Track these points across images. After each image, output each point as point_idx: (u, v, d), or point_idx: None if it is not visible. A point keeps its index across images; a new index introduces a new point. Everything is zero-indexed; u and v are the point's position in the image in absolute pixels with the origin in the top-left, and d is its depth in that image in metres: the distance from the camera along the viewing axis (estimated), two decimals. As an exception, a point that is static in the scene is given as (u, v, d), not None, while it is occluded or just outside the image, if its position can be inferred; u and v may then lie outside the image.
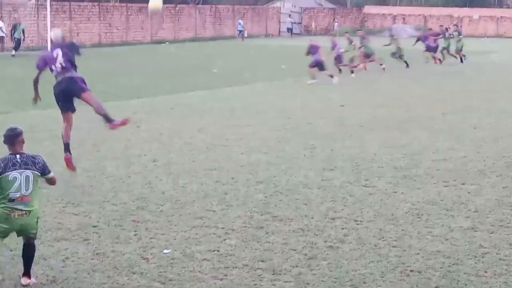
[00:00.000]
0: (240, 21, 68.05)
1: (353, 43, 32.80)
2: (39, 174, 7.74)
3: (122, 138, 15.95)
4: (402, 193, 11.71)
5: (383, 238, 9.42)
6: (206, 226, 9.83)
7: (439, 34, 39.12)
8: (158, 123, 18.31)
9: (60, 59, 12.24)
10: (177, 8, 63.58)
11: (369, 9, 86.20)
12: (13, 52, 40.34)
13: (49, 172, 7.93)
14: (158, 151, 14.75)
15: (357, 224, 10.03)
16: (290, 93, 25.16)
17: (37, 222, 7.73)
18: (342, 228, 9.80)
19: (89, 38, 51.87)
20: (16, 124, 8.12)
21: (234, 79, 29.63)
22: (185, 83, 27.89)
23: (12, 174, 7.54)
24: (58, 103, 12.70)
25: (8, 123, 17.60)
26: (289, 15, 76.13)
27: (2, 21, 44.49)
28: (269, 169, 13.28)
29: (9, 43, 43.30)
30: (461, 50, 39.31)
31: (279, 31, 76.09)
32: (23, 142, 7.92)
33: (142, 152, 14.58)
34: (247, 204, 10.95)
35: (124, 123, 12.75)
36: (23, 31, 41.95)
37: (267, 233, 9.57)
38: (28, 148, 14.20)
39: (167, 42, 57.94)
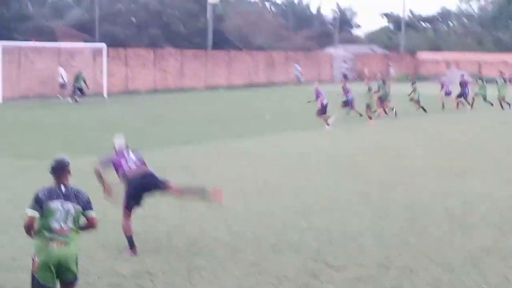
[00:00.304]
0: (297, 65, 68.71)
1: (372, 90, 33.14)
2: (81, 209, 7.67)
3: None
4: (457, 241, 11.57)
5: (438, 287, 9.30)
6: (259, 274, 9.83)
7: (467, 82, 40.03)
8: (210, 169, 18.42)
9: (132, 160, 11.68)
10: (231, 55, 64.20)
11: (422, 54, 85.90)
12: (74, 99, 41.02)
13: (91, 209, 7.79)
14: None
15: (412, 273, 9.92)
16: (342, 139, 25.13)
17: (76, 262, 7.60)
18: (397, 277, 9.70)
19: (144, 84, 52.57)
20: (62, 155, 8.09)
21: (286, 124, 29.70)
22: (238, 128, 28.05)
23: (54, 204, 7.52)
24: (131, 198, 11.40)
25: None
26: (345, 61, 76.40)
27: (63, 68, 45.47)
28: (322, 215, 13.25)
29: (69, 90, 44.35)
30: (503, 97, 38.71)
31: (332, 77, 76.23)
32: (69, 173, 7.84)
33: (196, 199, 14.65)
34: (300, 251, 10.92)
35: (219, 196, 11.74)
36: (84, 80, 42.73)
37: (321, 281, 9.52)
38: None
39: (221, 88, 58.43)
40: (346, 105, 32.84)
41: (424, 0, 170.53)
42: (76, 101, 40.73)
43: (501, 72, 41.73)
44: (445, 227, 12.51)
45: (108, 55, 48.73)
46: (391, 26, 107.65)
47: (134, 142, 23.38)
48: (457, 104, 38.64)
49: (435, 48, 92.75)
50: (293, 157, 20.61)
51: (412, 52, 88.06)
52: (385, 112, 33.75)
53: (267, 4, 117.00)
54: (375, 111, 32.72)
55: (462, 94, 39.18)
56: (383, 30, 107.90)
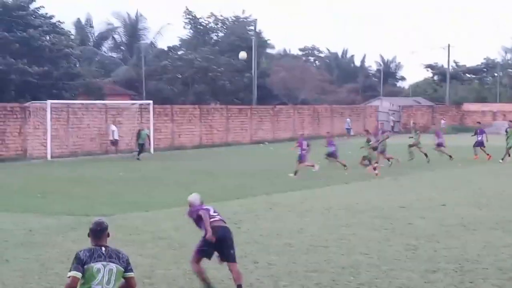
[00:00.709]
0: (348, 119, 69.75)
1: (371, 142, 33.82)
2: (123, 270, 7.65)
3: (223, 239, 16.10)
4: (508, 296, 11.38)
5: None
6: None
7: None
8: (257, 224, 18.42)
9: (212, 210, 11.91)
10: (275, 109, 64.55)
11: (468, 106, 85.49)
12: (137, 156, 41.25)
13: (131, 270, 7.79)
14: (258, 252, 14.81)
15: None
16: (388, 192, 24.97)
17: None
18: (447, 333, 9.56)
19: (190, 139, 53.03)
20: (101, 218, 8.18)
21: (332, 178, 29.63)
22: (284, 182, 28.07)
23: (96, 266, 7.50)
24: (205, 248, 11.65)
25: (112, 225, 18.08)
26: (393, 113, 76.61)
27: (115, 125, 46.19)
28: (370, 270, 13.14)
29: (121, 146, 45.36)
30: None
31: (377, 130, 76.01)
32: (108, 236, 7.90)
33: (243, 253, 14.64)
34: (348, 307, 10.82)
35: None
36: (148, 136, 43.14)
37: (369, 337, 9.42)
38: (131, 251, 14.53)
39: (266, 143, 58.65)
40: (330, 156, 34.66)
41: (469, 51, 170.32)
42: (138, 158, 40.82)
43: (511, 122, 39.96)
44: (495, 281, 12.32)
45: (154, 112, 49.34)
46: (436, 78, 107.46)
47: (180, 197, 23.55)
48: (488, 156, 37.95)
49: (481, 99, 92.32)
50: (339, 211, 20.53)
51: (457, 103, 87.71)
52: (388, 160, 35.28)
53: (311, 58, 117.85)
54: (376, 162, 32.93)
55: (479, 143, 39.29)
56: (428, 81, 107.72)
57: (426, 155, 36.63)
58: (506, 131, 38.04)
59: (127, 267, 7.69)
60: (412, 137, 36.34)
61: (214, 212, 11.86)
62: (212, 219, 11.57)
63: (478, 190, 25.33)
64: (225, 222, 11.86)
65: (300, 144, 31.84)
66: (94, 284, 7.44)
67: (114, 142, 45.25)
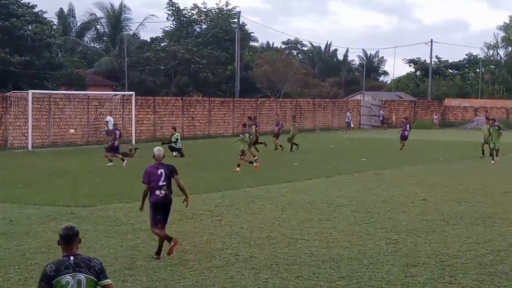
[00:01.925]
0: (348, 113, 70.82)
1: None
2: (94, 279, 7.10)
3: (204, 232, 16.14)
4: (488, 290, 11.44)
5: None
6: (287, 322, 9.77)
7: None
8: (239, 217, 18.42)
9: (163, 178, 13.63)
10: (258, 102, 64.56)
11: (450, 101, 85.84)
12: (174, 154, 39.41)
13: (105, 277, 7.19)
14: (239, 245, 14.81)
15: (442, 322, 9.82)
16: (370, 186, 25.03)
17: None
18: (427, 327, 9.61)
19: (171, 131, 52.90)
20: (70, 223, 7.55)
21: (314, 171, 29.69)
22: (266, 176, 28.07)
23: (65, 278, 6.98)
24: (156, 215, 13.75)
25: (93, 216, 18.06)
26: (383, 108, 77.20)
27: (111, 115, 46.18)
28: (351, 264, 13.18)
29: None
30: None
31: (359, 124, 76.32)
32: (79, 242, 7.30)
33: (224, 246, 14.66)
34: (329, 300, 10.84)
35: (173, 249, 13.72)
36: (177, 139, 40.32)
37: (349, 330, 9.44)
38: (112, 243, 14.51)
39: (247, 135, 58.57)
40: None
41: (451, 47, 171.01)
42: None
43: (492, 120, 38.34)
44: (475, 275, 12.39)
45: (136, 103, 49.22)
46: (418, 73, 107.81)
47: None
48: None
49: (463, 94, 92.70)
50: (321, 205, 20.56)
51: (439, 98, 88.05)
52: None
53: (294, 51, 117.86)
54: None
55: None
56: (410, 76, 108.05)
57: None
58: (489, 130, 36.06)
59: (99, 275, 7.12)
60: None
61: (164, 176, 13.65)
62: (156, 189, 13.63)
63: (460, 186, 25.44)
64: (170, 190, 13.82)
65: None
66: None
67: (109, 133, 45.18)
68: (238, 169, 29.81)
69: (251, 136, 32.52)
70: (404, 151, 40.98)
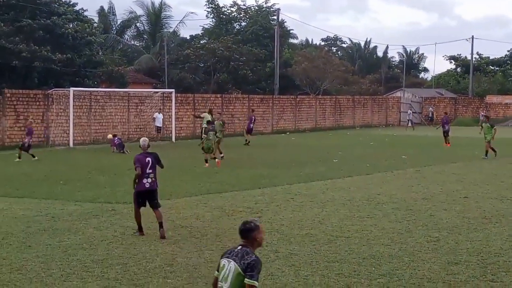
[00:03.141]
0: (410, 110, 70.81)
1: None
2: (241, 271, 7.19)
3: (244, 229, 16.11)
4: (531, 289, 11.31)
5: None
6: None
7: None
8: (278, 214, 18.41)
9: (150, 165, 15.23)
10: (297, 99, 64.47)
11: (491, 98, 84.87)
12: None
13: (251, 276, 7.19)
14: (279, 242, 14.80)
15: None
16: (411, 184, 24.86)
17: None
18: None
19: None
20: (253, 218, 7.83)
21: (354, 169, 29.57)
22: (306, 173, 28.02)
23: (223, 261, 7.39)
24: (138, 199, 15.52)
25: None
26: (432, 106, 76.79)
27: (160, 113, 46.95)
28: (392, 262, 13.11)
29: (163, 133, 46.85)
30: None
31: (399, 121, 75.86)
32: (255, 239, 7.49)
33: (264, 243, 14.59)
34: (369, 297, 10.79)
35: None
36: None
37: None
38: (152, 239, 14.58)
39: (288, 132, 58.62)
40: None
41: (492, 43, 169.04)
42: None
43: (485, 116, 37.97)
44: (518, 274, 12.25)
45: (176, 100, 49.46)
46: (459, 70, 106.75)
47: (201, 186, 23.64)
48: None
49: (504, 91, 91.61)
50: (361, 202, 20.47)
51: (480, 95, 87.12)
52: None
53: (333, 48, 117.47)
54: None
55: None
56: (451, 73, 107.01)
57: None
58: (481, 126, 36.57)
59: (245, 270, 7.21)
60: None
61: (151, 164, 15.29)
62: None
63: (502, 183, 25.15)
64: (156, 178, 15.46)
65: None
66: (219, 279, 7.38)
67: (158, 129, 46.19)
68: (207, 164, 30.01)
69: (216, 134, 31.99)
70: (446, 149, 40.70)
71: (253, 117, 47.89)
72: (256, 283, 7.19)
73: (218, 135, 33.13)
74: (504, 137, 45.87)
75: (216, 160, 30.77)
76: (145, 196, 15.43)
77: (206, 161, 30.24)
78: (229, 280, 7.25)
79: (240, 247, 7.41)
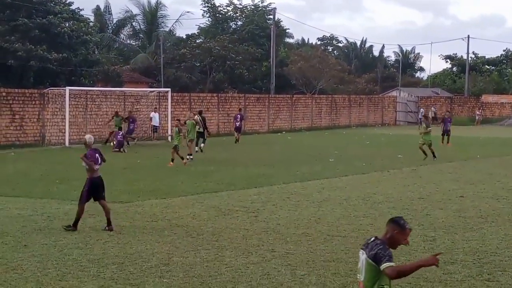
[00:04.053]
0: (422, 109, 71.19)
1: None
2: (371, 261, 7.16)
3: (241, 228, 16.13)
4: (527, 289, 11.31)
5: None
6: (324, 319, 9.73)
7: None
8: (275, 213, 18.40)
9: (99, 160, 16.49)
10: (293, 98, 64.47)
11: (487, 97, 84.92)
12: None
13: (380, 261, 7.14)
14: (275, 241, 14.79)
15: (481, 320, 9.72)
16: (407, 183, 24.87)
17: None
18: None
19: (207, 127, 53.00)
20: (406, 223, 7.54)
21: (350, 168, 29.58)
22: (302, 172, 28.02)
23: (360, 252, 7.37)
24: (89, 193, 16.22)
25: (130, 212, 18.15)
26: (435, 105, 76.61)
27: (156, 112, 46.75)
28: (388, 261, 13.08)
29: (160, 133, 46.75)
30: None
31: (395, 120, 75.90)
32: (392, 236, 7.37)
33: (260, 242, 14.66)
34: (366, 297, 10.77)
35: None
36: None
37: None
38: (148, 238, 14.57)
39: (284, 132, 58.62)
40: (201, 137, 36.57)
41: (488, 43, 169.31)
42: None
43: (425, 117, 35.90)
44: (514, 274, 12.25)
45: (172, 100, 49.41)
46: (455, 69, 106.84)
47: (197, 185, 23.61)
48: None
49: (500, 91, 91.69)
50: (357, 201, 20.47)
51: (476, 95, 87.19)
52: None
53: (329, 48, 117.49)
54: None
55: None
56: (447, 73, 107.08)
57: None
58: (421, 122, 35.38)
59: (375, 258, 7.13)
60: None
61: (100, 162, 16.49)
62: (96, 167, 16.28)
63: (498, 183, 25.17)
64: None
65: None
66: (358, 272, 7.40)
67: (155, 129, 46.17)
68: (171, 163, 29.87)
69: (181, 134, 30.99)
70: (443, 148, 40.74)
71: (239, 115, 47.89)
72: (390, 264, 7.10)
73: (190, 135, 32.82)
74: (500, 136, 45.91)
75: (183, 160, 30.28)
76: (97, 186, 16.26)
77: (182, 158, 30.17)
78: (363, 272, 7.27)
79: (373, 238, 7.38)
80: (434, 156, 33.04)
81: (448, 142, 42.84)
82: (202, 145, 37.38)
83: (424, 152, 33.24)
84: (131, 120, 41.55)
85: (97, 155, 16.51)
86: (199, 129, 35.80)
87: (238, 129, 47.00)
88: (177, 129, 30.88)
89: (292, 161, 32.31)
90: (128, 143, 39.82)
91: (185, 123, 33.66)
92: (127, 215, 17.70)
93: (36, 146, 39.65)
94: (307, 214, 18.27)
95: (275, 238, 15.12)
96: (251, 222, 16.94)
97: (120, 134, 39.00)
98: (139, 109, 48.21)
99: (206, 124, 38.96)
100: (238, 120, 47.22)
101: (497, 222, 17.25)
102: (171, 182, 24.63)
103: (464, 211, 18.78)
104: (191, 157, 31.83)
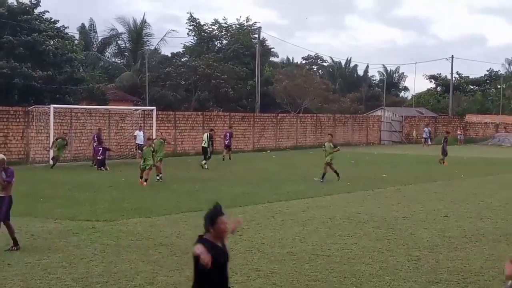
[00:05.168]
0: (426, 128, 73.35)
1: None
2: None
3: (225, 247, 16.06)
4: (511, 308, 11.32)
5: None
6: None
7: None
8: (259, 232, 18.38)
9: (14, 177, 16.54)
10: (278, 117, 64.58)
11: (471, 117, 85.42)
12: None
13: None
14: (260, 260, 14.77)
15: None
16: (391, 202, 24.93)
17: None
18: None
19: (193, 146, 53.04)
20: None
21: (334, 187, 29.61)
22: (286, 191, 28.02)
23: None
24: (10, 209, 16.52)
25: (114, 230, 18.09)
26: (427, 124, 76.88)
27: (141, 130, 46.47)
28: (373, 280, 13.11)
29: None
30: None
31: (380, 139, 76.13)
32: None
33: (245, 261, 14.63)
34: (350, 317, 10.78)
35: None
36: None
37: None
38: (133, 257, 14.49)
39: (269, 151, 58.65)
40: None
41: (472, 63, 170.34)
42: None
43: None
44: (498, 293, 12.29)
45: (157, 118, 49.38)
46: (439, 89, 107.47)
47: (182, 204, 23.55)
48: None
49: (484, 110, 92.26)
50: (342, 220, 20.49)
51: (460, 114, 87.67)
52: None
53: (314, 67, 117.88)
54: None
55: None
56: (431, 92, 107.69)
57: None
58: (324, 145, 33.88)
59: None
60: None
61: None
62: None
63: (482, 203, 25.26)
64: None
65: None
66: None
67: (139, 147, 45.73)
68: (144, 183, 29.60)
69: (153, 151, 30.75)
70: (425, 167, 40.88)
71: (229, 133, 48.05)
72: None
73: (158, 155, 32.06)
74: (484, 156, 46.13)
75: (142, 180, 30.00)
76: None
77: (142, 177, 30.04)
78: None
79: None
80: (338, 175, 32.56)
81: (445, 162, 43.51)
82: (203, 161, 38.34)
83: (335, 171, 32.60)
84: (97, 139, 40.92)
85: (10, 172, 16.70)
86: (204, 144, 39.11)
87: (227, 147, 47.05)
88: (151, 149, 30.72)
89: (276, 180, 32.31)
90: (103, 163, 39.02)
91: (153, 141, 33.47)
92: (111, 234, 17.63)
93: (20, 164, 39.47)
94: (292, 233, 18.26)
95: (259, 257, 15.10)
96: (236, 241, 16.89)
97: (100, 152, 38.89)
98: (124, 127, 48.16)
99: (213, 141, 41.12)
100: (227, 138, 47.31)
101: (482, 242, 17.31)
102: (156, 200, 24.58)
103: (448, 231, 18.84)
104: (161, 175, 31.58)
